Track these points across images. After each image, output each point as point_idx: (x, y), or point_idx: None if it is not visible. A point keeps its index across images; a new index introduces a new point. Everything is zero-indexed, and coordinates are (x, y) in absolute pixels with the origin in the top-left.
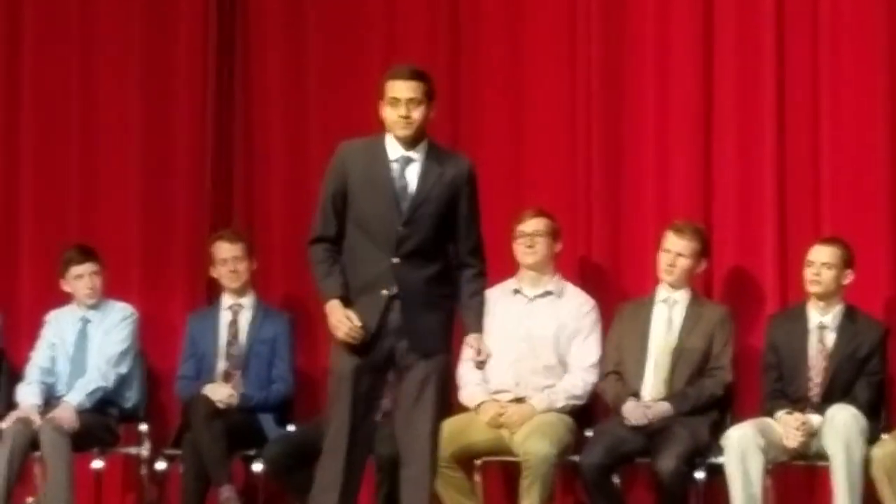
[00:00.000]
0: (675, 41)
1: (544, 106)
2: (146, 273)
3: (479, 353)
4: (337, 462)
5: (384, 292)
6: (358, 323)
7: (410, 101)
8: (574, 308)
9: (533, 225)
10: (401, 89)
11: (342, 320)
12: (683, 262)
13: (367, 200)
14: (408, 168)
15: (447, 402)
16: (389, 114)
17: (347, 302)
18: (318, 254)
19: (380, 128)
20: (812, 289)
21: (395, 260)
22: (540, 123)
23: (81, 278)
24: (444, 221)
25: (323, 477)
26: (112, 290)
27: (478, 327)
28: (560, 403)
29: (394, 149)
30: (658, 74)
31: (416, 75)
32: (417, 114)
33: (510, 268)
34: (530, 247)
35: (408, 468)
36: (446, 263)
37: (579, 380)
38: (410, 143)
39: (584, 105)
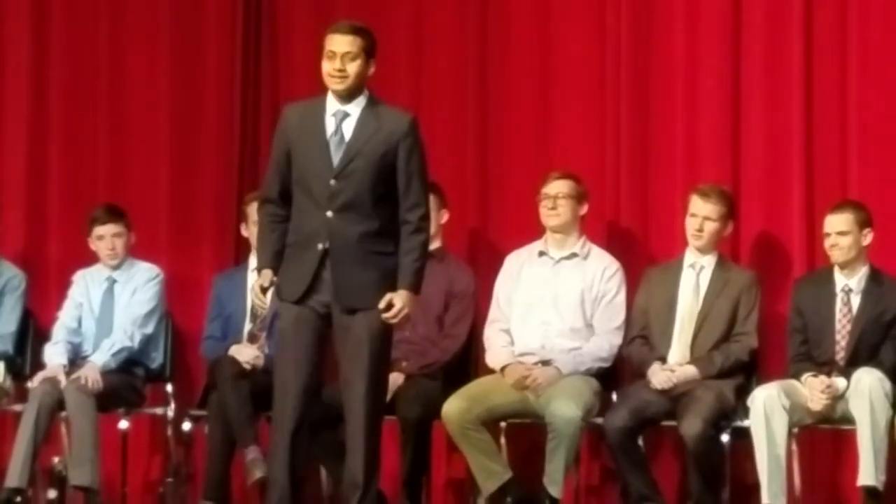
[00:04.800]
0: (703, 4)
1: (573, 69)
2: (174, 233)
3: (389, 309)
4: (284, 420)
5: (319, 246)
6: (266, 301)
7: (346, 54)
8: (599, 270)
9: (556, 187)
10: (336, 43)
11: (254, 288)
12: (711, 226)
13: (304, 156)
14: (344, 122)
15: (385, 360)
16: (325, 67)
17: (276, 270)
18: (261, 218)
19: (403, 95)
20: (833, 259)
21: (329, 214)
22: (568, 86)
23: (103, 239)
24: (380, 176)
25: (272, 436)
26: (140, 250)
27: (404, 284)
28: (586, 366)
29: (331, 104)
30: (686, 38)
31: (353, 30)
32: (352, 68)
33: (539, 231)
34: (553, 209)
35: (347, 427)
36: (388, 220)
37: (605, 342)
38: (346, 97)
39: (613, 69)
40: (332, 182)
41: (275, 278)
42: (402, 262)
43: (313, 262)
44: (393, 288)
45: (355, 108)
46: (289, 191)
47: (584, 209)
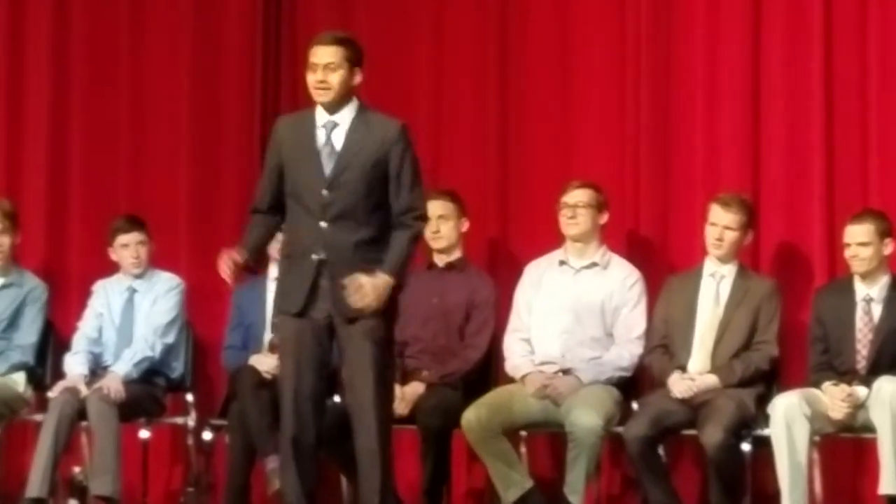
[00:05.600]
0: (724, 12)
1: (593, 78)
2: (194, 243)
3: (358, 288)
4: (286, 431)
5: (314, 257)
6: (236, 257)
7: (327, 66)
8: (620, 279)
9: (576, 196)
10: (318, 54)
11: (222, 256)
12: (731, 236)
13: (296, 168)
14: (333, 132)
15: (388, 364)
16: (309, 79)
17: (254, 261)
18: (249, 222)
19: (422, 105)
20: (855, 269)
21: (324, 224)
22: (588, 95)
23: (127, 247)
24: (373, 184)
25: (280, 444)
26: (160, 259)
27: (385, 268)
28: (606, 375)
29: (321, 115)
30: (707, 46)
31: (335, 40)
32: (334, 78)
33: (559, 240)
34: (572, 218)
35: (358, 439)
36: (383, 228)
37: (626, 352)
38: (333, 108)
39: (633, 77)
40: (325, 192)
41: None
42: (388, 252)
43: (310, 274)
44: (389, 296)
45: (344, 117)
46: (280, 203)
47: (605, 218)
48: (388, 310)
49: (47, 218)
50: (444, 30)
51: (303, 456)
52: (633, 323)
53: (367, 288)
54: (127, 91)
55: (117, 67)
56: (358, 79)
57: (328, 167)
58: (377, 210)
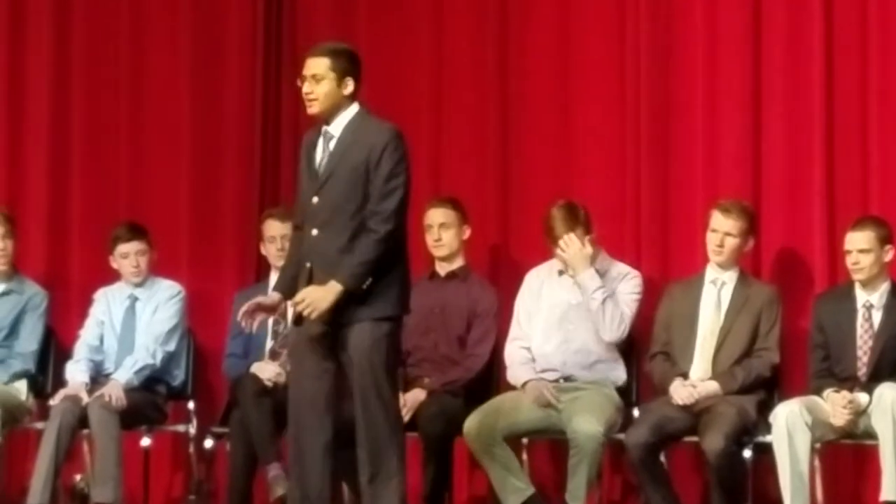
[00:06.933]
0: (723, 20)
1: (593, 84)
2: (195, 251)
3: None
4: (294, 440)
5: (307, 265)
6: (246, 322)
7: (312, 77)
8: (618, 279)
9: (560, 228)
10: (307, 66)
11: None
12: (732, 242)
13: (302, 179)
14: (330, 142)
15: (388, 367)
16: (301, 92)
17: (289, 294)
18: (291, 242)
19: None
20: (855, 276)
21: (314, 232)
22: (589, 102)
23: (127, 257)
24: (355, 188)
25: (289, 450)
26: (161, 267)
27: (339, 278)
28: (608, 381)
29: (324, 126)
30: (706, 53)
31: (322, 51)
32: (319, 89)
33: None
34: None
35: (360, 449)
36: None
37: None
38: (327, 117)
39: (633, 84)
40: (315, 199)
41: (275, 300)
42: (346, 258)
43: (304, 282)
44: (380, 299)
45: (338, 126)
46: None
47: (592, 236)
48: (380, 314)
49: (48, 225)
50: (444, 38)
51: (310, 463)
52: (625, 297)
53: (308, 300)
54: (127, 99)
55: (118, 75)
56: (349, 89)
57: (319, 175)
58: (357, 215)
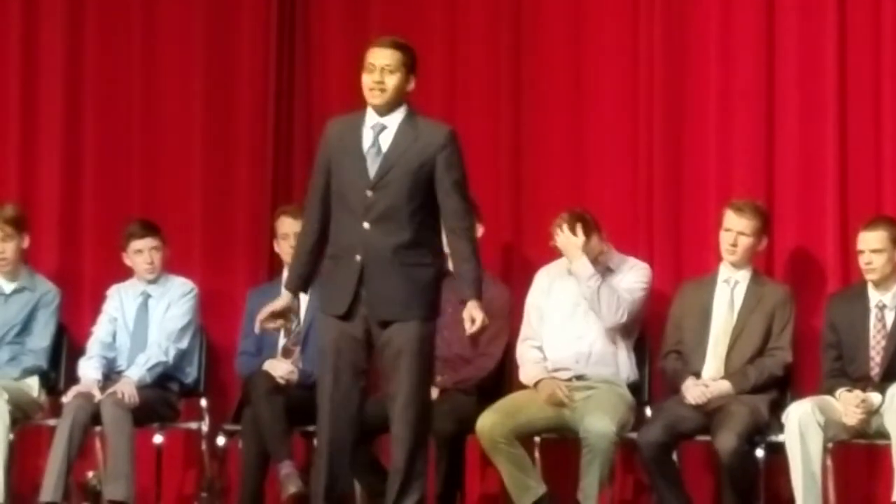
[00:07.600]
0: (737, 21)
1: (606, 85)
2: (208, 248)
3: (472, 322)
4: (322, 436)
5: (357, 258)
6: (270, 324)
7: (385, 67)
8: (628, 272)
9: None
10: (376, 56)
11: (263, 310)
12: (745, 241)
13: (342, 168)
14: (381, 134)
15: (427, 370)
16: (365, 80)
17: (302, 289)
18: (299, 234)
19: (436, 112)
20: (868, 277)
21: (366, 226)
22: (602, 101)
23: (141, 253)
24: (417, 187)
25: (317, 447)
26: (174, 264)
27: (471, 294)
28: (620, 380)
29: (370, 117)
30: (720, 52)
31: (394, 44)
32: (391, 81)
33: None
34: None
35: (393, 447)
36: (425, 231)
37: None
38: (385, 110)
39: (647, 84)
40: (369, 193)
41: (286, 301)
42: (459, 271)
43: (354, 275)
44: (429, 299)
45: (393, 120)
46: (326, 204)
47: (601, 236)
48: (428, 314)
49: (61, 222)
50: (457, 36)
51: (332, 459)
52: (630, 284)
53: (480, 318)
54: (140, 96)
55: (130, 72)
56: (411, 85)
57: (373, 168)
58: (418, 213)
